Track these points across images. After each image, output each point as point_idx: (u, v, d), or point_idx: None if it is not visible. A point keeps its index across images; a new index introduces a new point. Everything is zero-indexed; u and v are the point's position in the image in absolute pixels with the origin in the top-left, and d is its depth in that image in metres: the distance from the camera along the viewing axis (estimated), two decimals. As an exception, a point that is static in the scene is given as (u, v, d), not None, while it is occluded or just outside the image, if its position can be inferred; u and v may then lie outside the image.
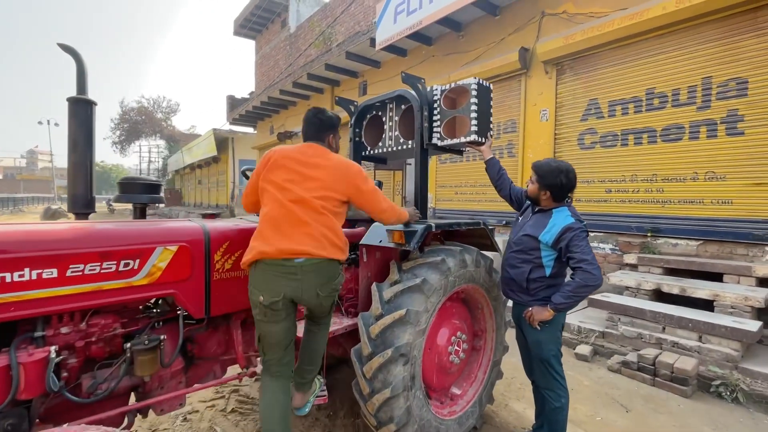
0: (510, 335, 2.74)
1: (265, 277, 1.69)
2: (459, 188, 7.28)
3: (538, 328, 2.09)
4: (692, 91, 4.45)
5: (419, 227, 2.11)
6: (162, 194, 2.02)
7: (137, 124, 33.70)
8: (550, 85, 5.74)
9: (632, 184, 4.94)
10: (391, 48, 7.86)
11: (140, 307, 1.84)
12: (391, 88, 9.00)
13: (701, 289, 3.68)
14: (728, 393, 2.99)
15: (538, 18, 5.85)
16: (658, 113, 4.72)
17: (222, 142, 19.39)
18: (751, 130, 4.07)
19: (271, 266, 1.68)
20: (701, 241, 4.37)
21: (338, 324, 2.31)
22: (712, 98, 4.31)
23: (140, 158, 38.14)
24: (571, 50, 5.34)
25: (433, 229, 2.16)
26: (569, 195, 2.13)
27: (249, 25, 14.33)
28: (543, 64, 5.74)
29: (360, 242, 2.30)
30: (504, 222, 6.36)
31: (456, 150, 2.90)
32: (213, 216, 2.09)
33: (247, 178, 2.56)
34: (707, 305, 3.65)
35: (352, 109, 3.24)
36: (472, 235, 2.66)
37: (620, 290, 4.32)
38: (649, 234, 4.72)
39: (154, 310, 1.86)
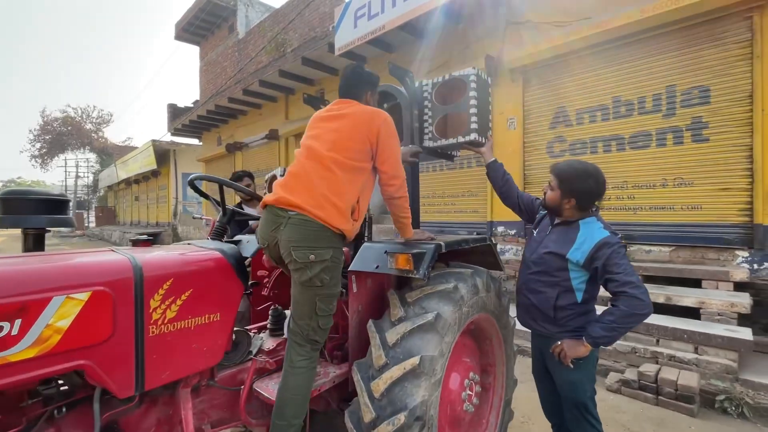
0: (520, 366, 2.37)
1: (263, 222, 1.63)
2: (426, 199, 6.97)
3: (571, 366, 1.72)
4: (657, 98, 4.49)
5: (428, 248, 1.67)
6: (71, 213, 1.39)
7: (62, 135, 30.28)
8: (518, 94, 5.64)
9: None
10: (351, 55, 7.47)
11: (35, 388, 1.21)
12: (349, 96, 8.55)
13: (687, 296, 3.59)
14: (733, 408, 2.84)
15: (502, 27, 5.77)
16: (626, 121, 4.73)
17: (163, 154, 17.77)
18: (715, 137, 4.14)
19: (269, 212, 1.61)
20: (673, 247, 4.36)
21: (321, 375, 1.79)
22: (677, 106, 4.36)
23: (66, 173, 34.23)
24: (537, 58, 5.27)
25: (443, 250, 1.74)
26: (597, 202, 1.80)
27: (193, 30, 13.29)
28: (509, 73, 5.63)
29: (348, 268, 1.81)
30: (475, 233, 6.11)
31: (446, 154, 2.53)
32: (148, 243, 1.51)
33: (196, 189, 1.98)
34: (690, 312, 3.57)
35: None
36: (474, 252, 2.27)
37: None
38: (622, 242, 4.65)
39: (54, 389, 1.23)
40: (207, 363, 1.45)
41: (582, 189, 1.73)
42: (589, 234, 1.70)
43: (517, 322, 2.33)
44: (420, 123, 2.28)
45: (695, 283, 3.95)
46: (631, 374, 3.18)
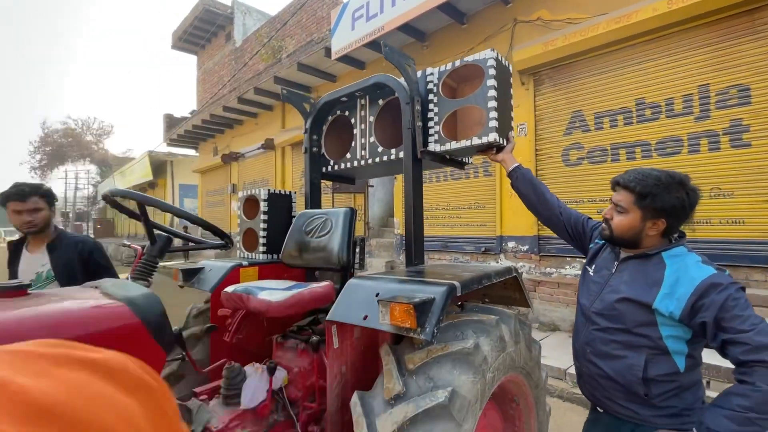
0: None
1: None
2: (429, 212, 6.47)
3: None
4: (688, 100, 4.01)
5: (437, 292, 1.17)
6: (69, 226, 0.86)
7: (62, 147, 30.13)
8: (528, 97, 5.18)
9: (627, 203, 4.37)
10: (348, 59, 7.09)
11: None
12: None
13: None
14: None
15: (510, 25, 5.35)
16: (651, 125, 4.25)
17: (159, 165, 17.45)
18: (758, 141, 3.64)
19: None
20: (711, 267, 3.84)
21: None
22: (711, 107, 3.88)
23: (66, 185, 33.98)
24: (549, 58, 4.82)
25: (459, 293, 1.23)
26: (686, 224, 1.29)
27: (189, 39, 13.03)
28: (519, 74, 5.19)
29: (327, 316, 1.31)
30: (482, 249, 5.61)
31: (457, 161, 2.05)
32: (22, 291, 1.01)
33: (113, 204, 1.49)
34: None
35: (307, 108, 2.30)
36: (494, 286, 1.76)
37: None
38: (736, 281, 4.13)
39: None
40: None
41: (675, 203, 1.21)
42: (683, 271, 1.18)
43: (546, 374, 1.81)
44: (424, 122, 1.81)
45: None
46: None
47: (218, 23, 12.15)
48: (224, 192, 12.70)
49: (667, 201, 1.20)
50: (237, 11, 11.76)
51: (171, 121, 14.59)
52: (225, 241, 1.57)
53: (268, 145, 9.97)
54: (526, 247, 5.19)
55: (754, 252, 3.63)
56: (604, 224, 1.35)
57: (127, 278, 1.30)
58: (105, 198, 1.32)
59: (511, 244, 5.35)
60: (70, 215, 32.73)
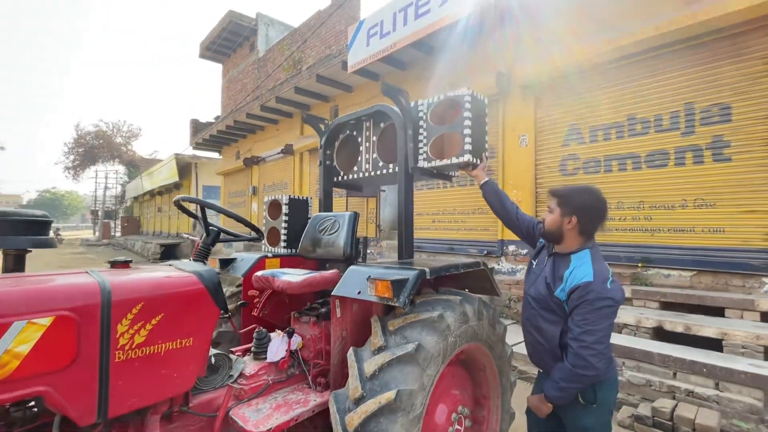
0: (520, 397, 2.25)
1: None
2: (437, 216, 6.89)
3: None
4: (675, 116, 4.32)
5: (410, 274, 1.61)
6: (52, 234, 1.41)
7: (94, 148, 31.77)
8: (529, 110, 5.55)
9: (619, 211, 4.70)
10: (364, 72, 7.58)
11: None
12: (363, 112, 8.66)
13: (708, 326, 3.36)
14: (758, 452, 2.60)
15: (513, 44, 5.73)
16: (641, 139, 4.57)
17: (184, 167, 18.40)
18: (738, 156, 3.93)
19: None
20: (695, 272, 4.13)
21: (301, 403, 1.74)
22: (696, 124, 4.19)
23: (96, 184, 35.75)
24: (548, 75, 5.19)
25: (428, 276, 1.67)
26: (599, 228, 1.69)
27: (216, 48, 13.84)
28: (521, 89, 5.56)
29: (332, 292, 1.77)
30: (485, 252, 5.98)
31: (444, 174, 2.48)
32: (126, 264, 1.51)
33: (182, 209, 1.99)
34: (712, 343, 3.33)
35: (322, 128, 2.77)
36: (470, 276, 2.18)
37: (618, 328, 3.95)
38: (640, 264, 4.44)
39: (16, 413, 1.22)
40: (177, 390, 1.42)
41: (583, 204, 1.62)
42: (577, 271, 1.58)
43: (511, 350, 2.22)
44: (414, 143, 2.24)
45: (718, 311, 3.71)
46: (644, 409, 2.97)
47: (244, 35, 12.88)
48: (245, 193, 13.40)
49: (577, 201, 1.62)
50: (260, 23, 12.45)
51: (197, 126, 15.43)
52: (258, 235, 2.06)
53: (288, 151, 10.57)
54: (526, 251, 5.54)
55: (733, 259, 3.90)
56: (540, 223, 1.78)
57: (190, 260, 1.79)
58: (175, 203, 1.82)
59: (511, 248, 5.71)
60: (99, 213, 34.37)
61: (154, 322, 1.34)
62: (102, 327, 1.23)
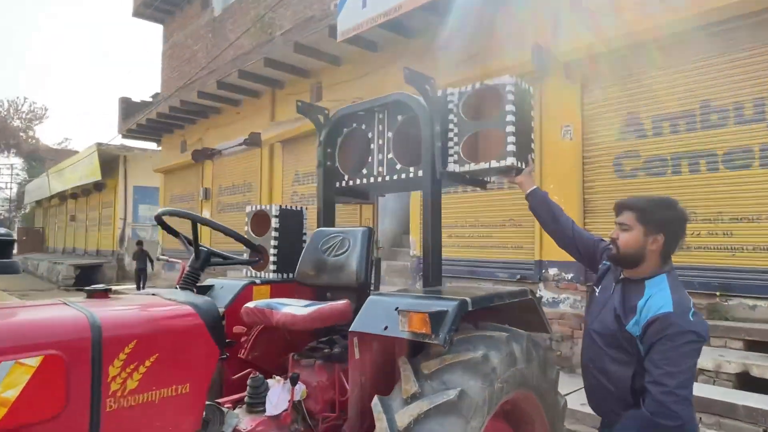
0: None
1: None
2: (453, 230, 7.09)
3: None
4: (760, 104, 4.60)
5: (450, 305, 1.79)
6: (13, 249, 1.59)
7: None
8: (574, 95, 5.82)
9: (690, 225, 4.93)
10: (358, 40, 7.81)
11: None
12: (354, 92, 8.87)
13: (805, 371, 3.59)
14: None
15: (554, 9, 6.01)
16: (718, 132, 4.84)
17: (110, 162, 18.43)
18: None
19: None
20: (788, 302, 4.38)
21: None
22: (788, 114, 4.47)
23: (-19, 183, 35.51)
24: (600, 49, 5.46)
25: (470, 307, 1.86)
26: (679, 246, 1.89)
27: (156, 4, 14.04)
28: (564, 67, 5.83)
29: (350, 328, 1.94)
30: (517, 276, 6.20)
31: (477, 180, 2.68)
32: (105, 294, 1.66)
33: (164, 226, 2.15)
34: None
35: (322, 120, 2.96)
36: (512, 308, 2.37)
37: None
38: (718, 294, 4.68)
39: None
40: (171, 447, 1.58)
41: (670, 220, 1.81)
42: (653, 300, 1.75)
43: (564, 400, 2.40)
44: (443, 142, 2.43)
45: (817, 352, 3.94)
46: (728, 477, 3.17)
47: (193, -13, 13.10)
48: (194, 197, 13.51)
49: (665, 216, 1.81)
50: (217, -28, 12.70)
51: (128, 107, 15.56)
52: (257, 258, 2.23)
53: (253, 141, 10.74)
54: (570, 275, 5.76)
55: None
56: (611, 244, 1.97)
57: (175, 287, 1.95)
58: (156, 218, 1.99)
59: (552, 271, 5.92)
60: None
61: (147, 363, 1.50)
62: (93, 369, 1.38)
